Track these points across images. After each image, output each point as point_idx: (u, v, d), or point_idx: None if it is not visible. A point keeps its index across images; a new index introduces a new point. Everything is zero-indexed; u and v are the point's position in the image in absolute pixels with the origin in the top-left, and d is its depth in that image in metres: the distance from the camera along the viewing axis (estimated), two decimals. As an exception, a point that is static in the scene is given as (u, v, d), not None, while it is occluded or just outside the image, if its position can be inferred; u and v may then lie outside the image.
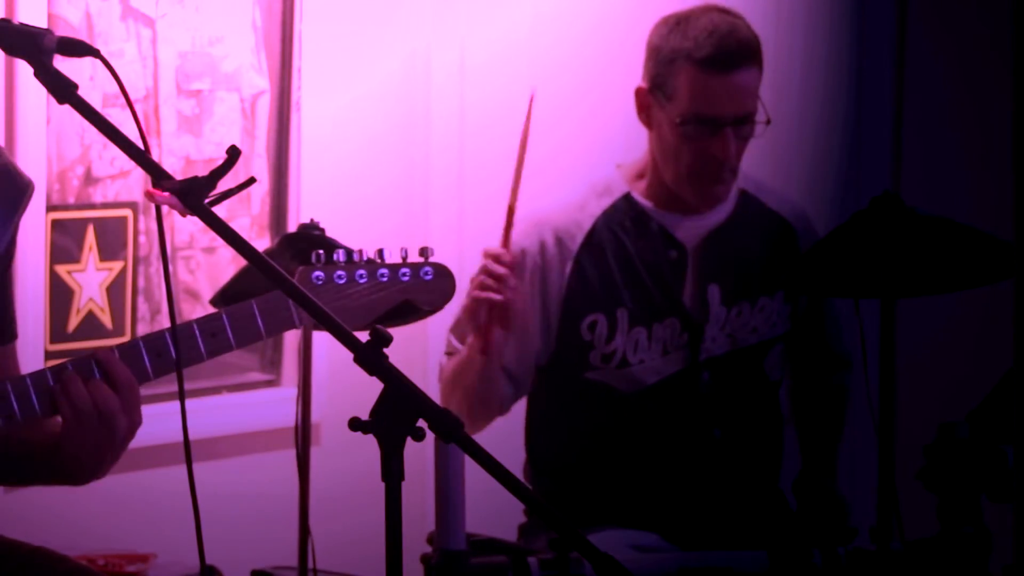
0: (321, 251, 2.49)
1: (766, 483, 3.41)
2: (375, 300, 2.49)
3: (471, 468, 2.17)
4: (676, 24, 3.27)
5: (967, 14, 4.15)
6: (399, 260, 2.51)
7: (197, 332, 2.40)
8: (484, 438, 2.43)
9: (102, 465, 2.43)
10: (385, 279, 2.49)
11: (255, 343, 2.46)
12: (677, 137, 3.24)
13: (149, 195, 2.24)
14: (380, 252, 2.51)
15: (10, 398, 2.35)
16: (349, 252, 2.48)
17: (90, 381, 2.36)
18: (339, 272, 2.46)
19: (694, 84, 3.21)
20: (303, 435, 3.46)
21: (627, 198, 3.35)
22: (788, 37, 4.06)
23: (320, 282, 2.45)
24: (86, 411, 2.35)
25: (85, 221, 3.65)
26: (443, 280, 2.54)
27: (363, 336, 2.07)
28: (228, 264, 3.77)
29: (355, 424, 2.19)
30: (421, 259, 2.51)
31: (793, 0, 4.10)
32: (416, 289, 2.51)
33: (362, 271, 2.48)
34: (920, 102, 4.12)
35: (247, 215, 3.86)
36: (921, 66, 4.12)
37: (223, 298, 3.24)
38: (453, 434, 2.04)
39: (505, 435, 3.32)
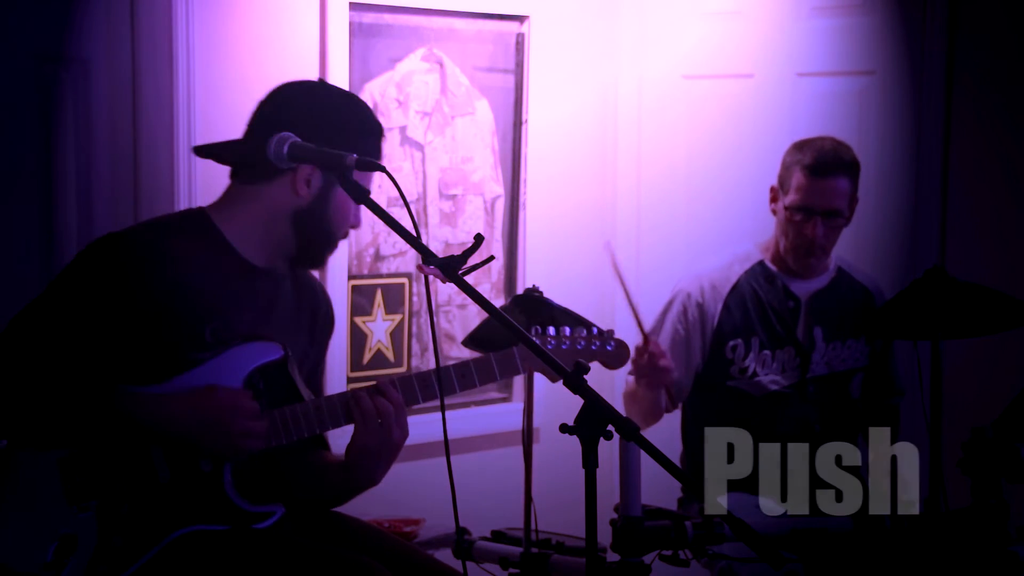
0: (545, 326, 3.60)
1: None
2: (577, 358, 3.51)
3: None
4: (800, 145, 4.42)
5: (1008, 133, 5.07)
6: (596, 336, 3.55)
7: (453, 373, 3.35)
8: (652, 436, 2.92)
9: (379, 469, 3.28)
10: (581, 346, 3.52)
11: (492, 383, 3.46)
12: (786, 220, 4.39)
13: (420, 268, 3.41)
14: (589, 329, 3.56)
15: (324, 414, 3.27)
16: (572, 327, 3.54)
17: (374, 397, 3.27)
18: (552, 341, 3.51)
19: (800, 183, 4.35)
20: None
21: (761, 263, 4.50)
22: (872, 160, 5.06)
23: (549, 345, 3.50)
24: (371, 416, 3.24)
25: (375, 286, 4.89)
26: (621, 351, 3.58)
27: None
28: (475, 316, 5.06)
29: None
30: (607, 336, 3.56)
31: (874, 129, 5.21)
32: (603, 355, 3.56)
33: (567, 343, 3.51)
34: (961, 200, 5.15)
35: (488, 282, 5.14)
36: (963, 173, 5.14)
37: (471, 340, 4.09)
38: (631, 435, 2.75)
39: (667, 434, 4.40)
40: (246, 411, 3.17)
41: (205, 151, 3.38)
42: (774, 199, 4.42)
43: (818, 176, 4.31)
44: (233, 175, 3.35)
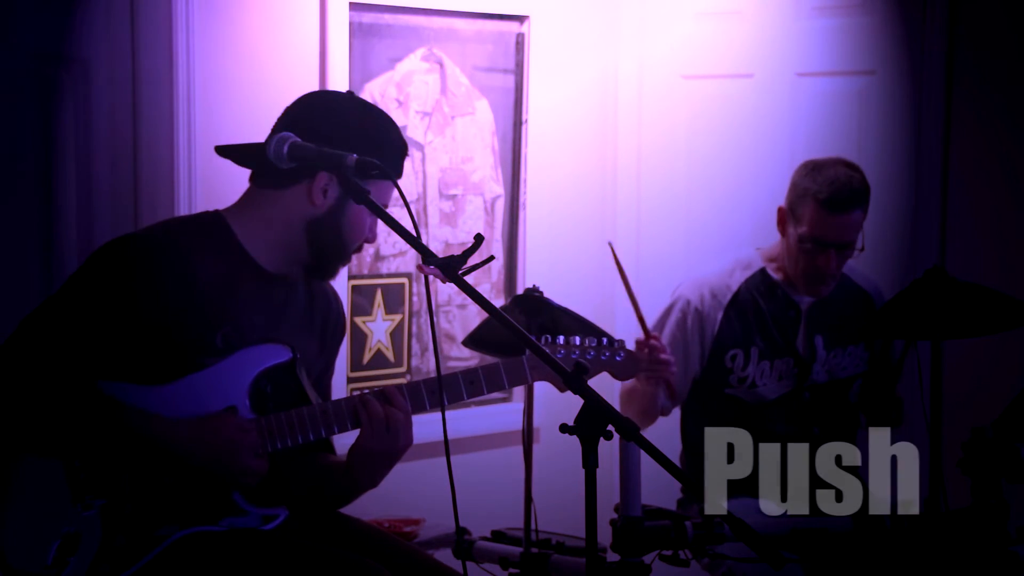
0: (547, 327, 3.78)
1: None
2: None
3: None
4: (812, 169, 4.30)
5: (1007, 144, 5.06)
6: (606, 346, 3.54)
7: (461, 380, 3.34)
8: (652, 436, 2.92)
9: (380, 473, 3.29)
10: (590, 356, 3.51)
11: (499, 391, 3.45)
12: (797, 249, 4.30)
13: (420, 268, 3.35)
14: (599, 339, 3.53)
15: (331, 418, 3.25)
16: (582, 337, 3.53)
17: (384, 404, 3.25)
18: (561, 350, 3.48)
19: (814, 217, 4.24)
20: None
21: (762, 272, 4.43)
22: (872, 160, 5.03)
23: (559, 355, 3.45)
24: (379, 422, 3.23)
25: (375, 286, 4.89)
26: (630, 362, 3.57)
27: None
28: (475, 316, 5.07)
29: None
30: (617, 347, 3.56)
31: (874, 129, 5.19)
32: (612, 365, 3.55)
33: (576, 352, 3.49)
34: (961, 200, 5.16)
35: (488, 282, 5.14)
36: (963, 173, 5.14)
37: (471, 340, 4.12)
38: (631, 435, 2.74)
39: (667, 433, 4.38)
40: (248, 449, 3.17)
41: (226, 152, 3.35)
42: (782, 221, 4.35)
43: (833, 211, 4.22)
44: (252, 179, 3.33)
